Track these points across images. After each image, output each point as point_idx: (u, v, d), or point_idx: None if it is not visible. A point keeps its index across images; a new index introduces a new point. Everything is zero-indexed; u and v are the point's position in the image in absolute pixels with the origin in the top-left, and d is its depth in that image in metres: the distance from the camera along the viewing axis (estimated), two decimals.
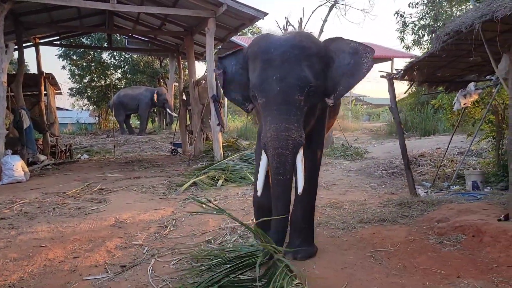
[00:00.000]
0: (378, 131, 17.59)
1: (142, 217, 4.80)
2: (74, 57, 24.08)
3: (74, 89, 25.65)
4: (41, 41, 12.00)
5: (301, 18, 16.99)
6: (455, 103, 5.12)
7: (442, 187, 5.83)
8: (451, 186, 5.72)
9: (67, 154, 12.16)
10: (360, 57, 2.97)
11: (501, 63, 3.43)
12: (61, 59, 24.33)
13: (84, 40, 22.76)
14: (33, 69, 18.86)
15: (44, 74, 11.71)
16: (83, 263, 3.42)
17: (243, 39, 21.30)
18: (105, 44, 17.83)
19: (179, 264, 3.34)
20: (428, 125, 14.13)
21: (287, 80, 2.74)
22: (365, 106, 38.87)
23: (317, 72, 2.88)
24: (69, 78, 25.39)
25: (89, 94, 25.11)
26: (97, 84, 25.03)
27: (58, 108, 31.40)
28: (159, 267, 3.30)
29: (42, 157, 10.78)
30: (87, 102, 26.72)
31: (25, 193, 6.25)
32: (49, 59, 40.86)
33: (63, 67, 25.27)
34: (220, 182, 6.64)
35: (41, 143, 11.54)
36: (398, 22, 16.61)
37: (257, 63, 2.89)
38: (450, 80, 5.14)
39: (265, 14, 8.24)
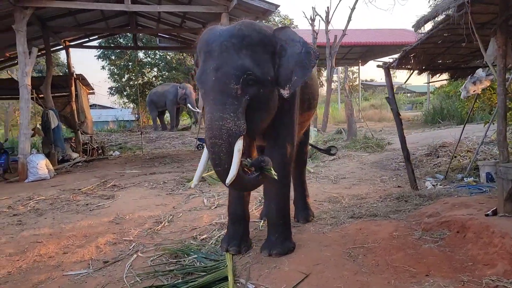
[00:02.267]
0: (415, 120, 16.98)
1: (142, 213, 4.91)
2: (113, 57, 24.99)
3: (113, 88, 26.74)
4: (71, 43, 12.50)
5: (328, 7, 16.57)
6: (462, 90, 4.82)
7: (455, 179, 5.53)
8: (464, 178, 5.41)
9: (99, 152, 12.64)
10: (308, 47, 2.93)
11: (489, 48, 3.18)
12: (100, 59, 25.42)
13: (121, 40, 23.51)
14: (77, 70, 19.75)
15: (75, 75, 12.22)
16: (70, 258, 3.55)
17: None
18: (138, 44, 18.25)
19: (158, 260, 3.39)
20: (464, 113, 13.42)
21: (222, 69, 2.67)
22: (408, 94, 37.67)
23: (260, 61, 2.79)
24: (108, 77, 26.47)
25: (127, 92, 25.93)
26: (135, 83, 25.79)
27: (102, 107, 32.90)
28: (138, 263, 3.36)
29: (74, 155, 11.29)
30: (126, 100, 27.69)
31: (45, 190, 6.58)
32: (90, 60, 42.57)
33: (103, 67, 26.31)
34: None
35: (74, 141, 12.11)
36: (431, 6, 15.86)
37: (201, 56, 2.86)
38: (454, 67, 4.84)
39: (277, 6, 8.15)
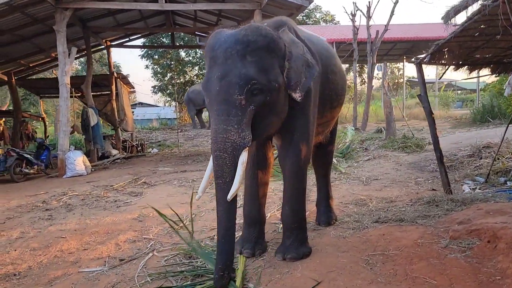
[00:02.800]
0: (463, 119, 16.14)
1: (165, 211, 4.82)
2: (156, 57, 25.64)
3: (156, 87, 27.47)
4: (112, 43, 12.88)
5: (369, 1, 16.03)
6: (506, 87, 4.44)
7: (496, 182, 5.13)
8: (508, 182, 5.01)
9: (138, 149, 12.97)
10: (306, 48, 2.85)
11: None
12: (144, 59, 26.18)
13: (164, 40, 24.05)
14: (125, 71, 20.49)
15: (116, 74, 12.59)
16: (88, 255, 3.60)
17: (312, 29, 20.89)
18: (179, 43, 18.56)
19: (172, 260, 3.36)
20: (510, 111, 12.55)
21: (227, 79, 2.56)
22: (459, 92, 35.90)
23: (267, 67, 2.65)
24: (151, 76, 27.22)
25: (170, 90, 26.51)
26: (177, 81, 26.30)
27: (146, 105, 33.88)
28: (152, 262, 3.35)
29: (114, 152, 11.65)
30: (169, 99, 28.36)
31: (79, 186, 6.78)
32: (135, 59, 44.03)
33: (146, 66, 27.07)
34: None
35: (114, 138, 12.49)
36: None
37: (207, 61, 2.77)
38: (496, 61, 4.46)
39: (310, 1, 7.96)
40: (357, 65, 23.48)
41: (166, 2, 8.73)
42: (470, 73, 4.63)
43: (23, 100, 21.06)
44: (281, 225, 3.88)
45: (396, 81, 31.44)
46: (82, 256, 3.58)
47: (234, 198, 2.63)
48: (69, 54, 8.28)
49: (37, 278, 3.17)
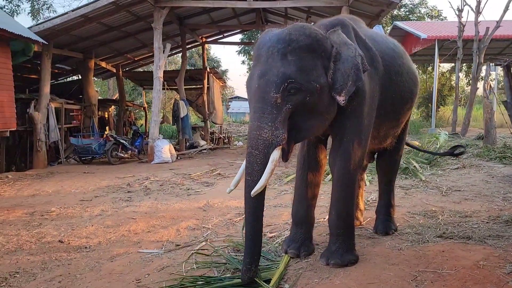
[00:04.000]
0: None
1: (230, 203, 5.09)
2: (252, 53, 26.37)
3: None
4: (207, 40, 13.55)
5: None
6: None
7: None
8: None
9: (225, 141, 13.54)
10: (360, 51, 2.65)
11: None
12: (241, 54, 27.09)
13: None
14: (224, 66, 21.61)
15: (209, 69, 13.24)
16: (150, 237, 3.89)
17: (415, 25, 19.64)
18: None
19: (221, 251, 3.47)
20: None
21: (265, 77, 2.54)
22: None
23: (307, 67, 2.57)
24: (247, 71, 28.07)
25: None
26: None
27: (243, 99, 35.01)
28: (203, 251, 3.50)
29: (202, 142, 12.31)
30: None
31: (162, 172, 7.32)
32: (233, 54, 45.90)
33: (243, 62, 28.02)
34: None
35: (203, 130, 13.19)
36: None
37: (253, 60, 2.78)
38: None
39: None
40: (464, 64, 21.65)
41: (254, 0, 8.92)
42: None
43: (133, 91, 23.20)
44: None
45: None
46: (145, 238, 3.88)
47: (261, 196, 2.63)
48: (163, 50, 8.91)
49: (102, 253, 3.52)
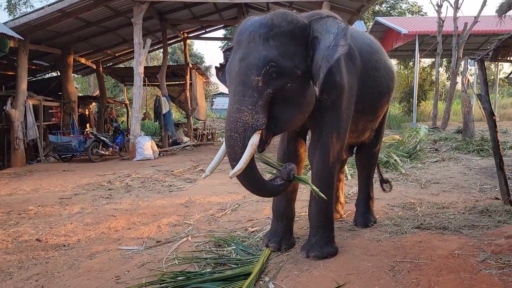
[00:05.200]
0: None
1: (212, 199, 5.08)
2: None
3: None
4: (189, 35, 13.44)
5: None
6: None
7: None
8: None
9: (209, 137, 13.48)
10: (340, 38, 2.57)
11: None
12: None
13: None
14: (208, 62, 21.52)
15: (191, 64, 13.14)
16: (131, 234, 3.86)
17: (396, 20, 19.82)
18: None
19: (202, 247, 3.47)
20: None
21: (246, 60, 2.52)
22: None
23: (289, 53, 2.56)
24: None
25: None
26: None
27: (227, 95, 35.04)
28: (184, 247, 3.48)
29: (186, 139, 12.22)
30: None
31: (144, 169, 7.25)
32: (216, 50, 45.67)
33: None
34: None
35: (186, 126, 13.10)
36: None
37: (234, 46, 2.77)
38: None
39: None
40: (444, 59, 21.97)
41: None
42: None
43: (114, 87, 22.89)
44: None
45: (492, 77, 28.87)
46: (125, 235, 3.84)
47: (252, 169, 2.59)
48: (144, 46, 8.81)
49: (81, 251, 3.47)
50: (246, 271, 2.86)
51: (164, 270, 2.98)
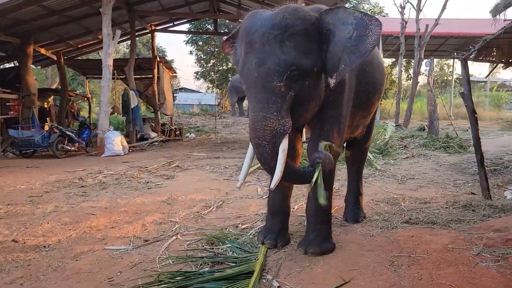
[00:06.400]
0: None
1: (194, 196, 4.95)
2: (200, 43, 25.88)
3: (199, 73, 27.78)
4: (157, 28, 13.08)
5: None
6: None
7: None
8: None
9: (177, 133, 13.19)
10: (364, 29, 2.55)
11: None
12: (188, 45, 26.48)
13: (209, 26, 24.13)
14: (170, 56, 21.11)
15: (159, 58, 12.80)
16: (115, 233, 3.67)
17: None
18: (223, 30, 18.61)
19: (194, 245, 3.36)
20: None
21: (265, 65, 2.47)
22: None
23: (305, 52, 2.53)
24: (195, 62, 27.55)
25: (212, 77, 26.74)
26: (219, 68, 26.47)
27: (189, 90, 34.46)
28: (175, 246, 3.36)
29: (153, 134, 11.90)
30: (211, 85, 28.63)
31: (115, 166, 6.97)
32: (181, 45, 44.77)
33: (190, 52, 27.39)
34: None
35: (153, 121, 12.75)
36: None
37: (243, 45, 2.68)
38: None
39: None
40: (404, 59, 22.74)
41: None
42: None
43: (72, 80, 21.93)
44: None
45: (445, 78, 30.16)
46: (109, 234, 3.65)
47: (288, 167, 2.56)
48: (113, 37, 8.47)
49: (64, 252, 3.26)
50: (247, 269, 2.79)
51: (159, 270, 2.86)
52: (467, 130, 11.83)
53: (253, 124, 2.52)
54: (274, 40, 2.48)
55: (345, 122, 3.08)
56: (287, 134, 2.51)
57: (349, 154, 3.92)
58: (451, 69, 30.51)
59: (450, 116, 14.91)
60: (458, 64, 36.09)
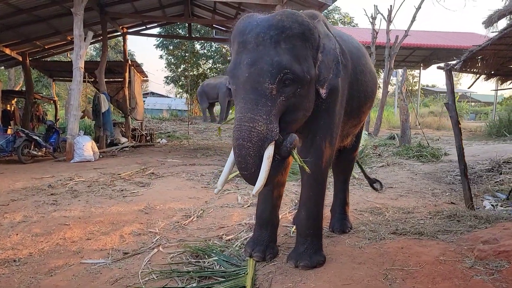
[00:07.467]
0: (477, 131, 15.85)
1: (173, 205, 4.77)
2: (171, 47, 25.52)
3: (169, 77, 27.36)
4: (128, 30, 12.75)
5: (391, 5, 15.72)
6: None
7: None
8: None
9: (148, 138, 12.84)
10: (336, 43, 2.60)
11: None
12: (159, 49, 26.04)
13: (180, 31, 23.83)
14: (139, 60, 20.69)
15: (130, 61, 12.46)
16: (91, 245, 3.46)
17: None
18: (195, 35, 18.40)
19: (178, 258, 3.20)
20: None
21: (257, 66, 2.37)
22: (472, 103, 35.34)
23: (301, 57, 2.46)
24: (165, 66, 27.10)
25: (182, 82, 26.39)
26: (190, 73, 26.16)
27: (158, 95, 33.88)
28: (157, 259, 3.20)
29: (123, 139, 11.52)
30: (181, 90, 28.25)
31: (86, 172, 6.66)
32: (150, 48, 44.10)
33: (161, 57, 26.93)
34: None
35: (124, 126, 12.36)
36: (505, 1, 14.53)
37: (235, 45, 2.58)
38: None
39: (334, 0, 7.74)
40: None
41: None
42: (501, 84, 4.41)
43: (36, 82, 21.08)
44: (293, 228, 3.72)
45: (410, 88, 31.10)
46: (85, 246, 3.44)
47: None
48: (85, 38, 8.16)
49: (37, 266, 3.04)
50: (238, 284, 2.67)
51: (143, 287, 2.69)
52: (438, 139, 12.19)
53: (239, 125, 2.37)
54: (270, 40, 2.39)
55: (338, 131, 3.02)
56: (274, 142, 2.39)
57: (337, 164, 3.87)
58: (415, 80, 31.60)
59: (418, 125, 15.28)
60: (423, 75, 37.27)
